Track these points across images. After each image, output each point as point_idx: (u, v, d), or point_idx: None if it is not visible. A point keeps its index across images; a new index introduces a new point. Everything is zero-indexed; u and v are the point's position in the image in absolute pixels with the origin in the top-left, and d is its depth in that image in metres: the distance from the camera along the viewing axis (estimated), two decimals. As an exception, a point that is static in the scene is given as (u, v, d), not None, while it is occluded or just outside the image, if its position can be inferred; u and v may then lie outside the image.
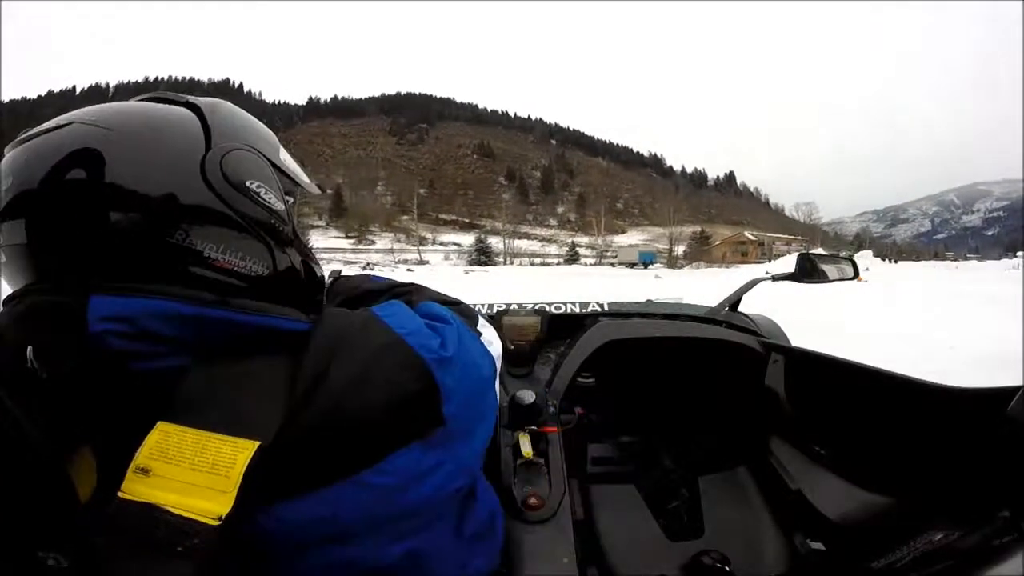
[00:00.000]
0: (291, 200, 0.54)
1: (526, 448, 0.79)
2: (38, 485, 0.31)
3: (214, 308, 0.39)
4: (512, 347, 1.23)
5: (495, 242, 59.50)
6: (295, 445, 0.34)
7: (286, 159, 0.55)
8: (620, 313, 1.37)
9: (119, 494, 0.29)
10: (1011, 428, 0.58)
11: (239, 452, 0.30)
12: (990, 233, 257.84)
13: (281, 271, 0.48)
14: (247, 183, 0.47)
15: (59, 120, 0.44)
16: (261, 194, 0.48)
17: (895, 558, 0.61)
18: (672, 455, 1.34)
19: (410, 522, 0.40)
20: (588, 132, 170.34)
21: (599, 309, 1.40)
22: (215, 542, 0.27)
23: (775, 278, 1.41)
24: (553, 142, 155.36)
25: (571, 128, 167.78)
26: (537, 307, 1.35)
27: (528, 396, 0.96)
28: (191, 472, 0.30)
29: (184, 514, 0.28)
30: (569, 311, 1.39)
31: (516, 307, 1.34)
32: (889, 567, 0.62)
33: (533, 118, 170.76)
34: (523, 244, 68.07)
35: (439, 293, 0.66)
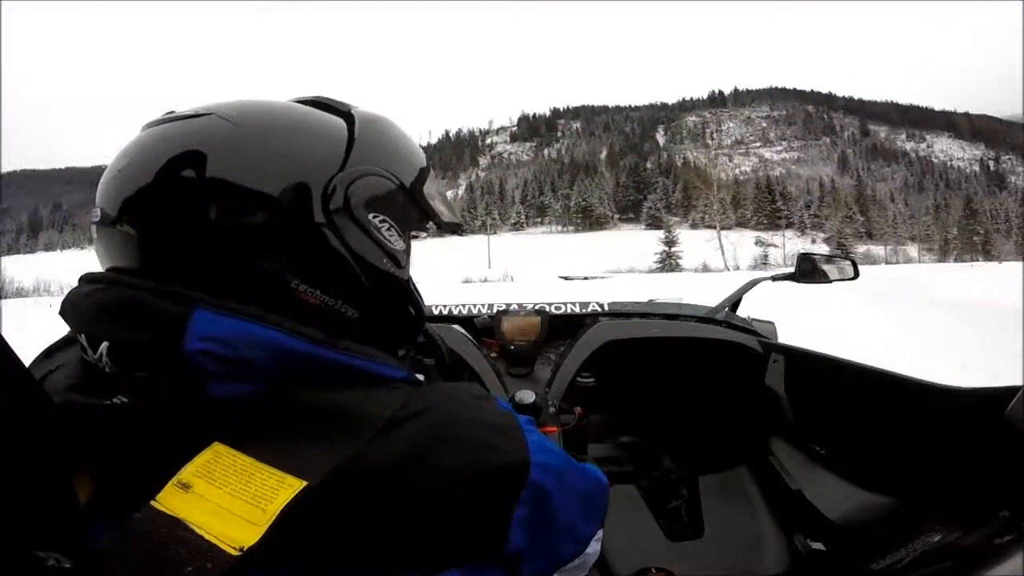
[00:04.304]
0: (423, 235, 0.49)
1: None
2: (39, 486, 0.30)
3: (323, 348, 0.36)
4: (512, 347, 1.24)
5: None
6: (348, 504, 0.31)
7: (429, 191, 0.49)
8: (620, 313, 1.37)
9: (152, 503, 0.29)
10: (1011, 428, 0.58)
11: (283, 488, 0.29)
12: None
13: (375, 316, 0.43)
14: (370, 216, 0.41)
15: (199, 108, 0.41)
16: (383, 231, 0.42)
17: (895, 558, 0.61)
18: (672, 455, 1.34)
19: None
20: None
21: (599, 309, 1.40)
22: (226, 573, 0.26)
23: (775, 278, 1.41)
24: None
25: None
26: (537, 307, 1.35)
27: (528, 396, 0.96)
28: (230, 497, 0.29)
29: (207, 536, 0.27)
30: (569, 311, 1.39)
31: (516, 307, 1.34)
32: (889, 567, 0.62)
33: None
34: None
35: None
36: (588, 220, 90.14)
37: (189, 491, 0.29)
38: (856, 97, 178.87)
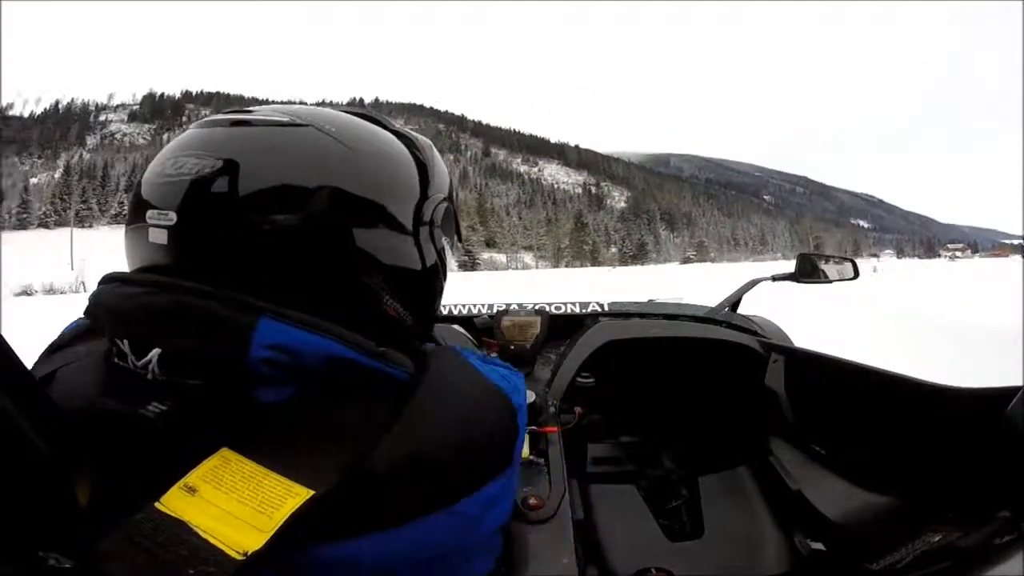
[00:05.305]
0: None
1: (525, 448, 0.79)
2: (39, 486, 0.30)
3: (376, 360, 0.37)
4: (512, 347, 1.24)
5: None
6: (384, 479, 0.32)
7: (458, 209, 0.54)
8: (620, 313, 1.37)
9: (156, 505, 0.28)
10: (1011, 428, 0.58)
11: (290, 497, 0.29)
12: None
13: (424, 323, 0.47)
14: (444, 239, 0.46)
15: (289, 116, 0.41)
16: (446, 250, 0.47)
17: (895, 558, 0.61)
18: (672, 455, 1.34)
19: (479, 549, 0.39)
20: None
21: (599, 309, 1.40)
22: None
23: (775, 278, 1.41)
24: None
25: None
26: (537, 307, 1.35)
27: (528, 396, 0.96)
28: (236, 503, 0.29)
29: (211, 540, 0.27)
30: (569, 311, 1.40)
31: (516, 307, 1.34)
32: (889, 567, 0.62)
33: None
34: None
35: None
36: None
37: (195, 495, 0.29)
38: (484, 122, 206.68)
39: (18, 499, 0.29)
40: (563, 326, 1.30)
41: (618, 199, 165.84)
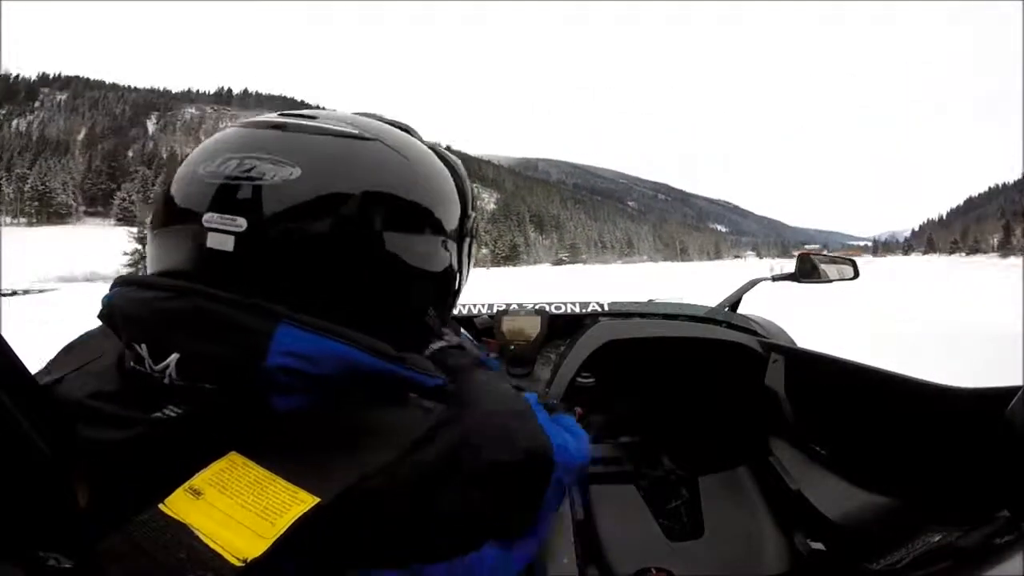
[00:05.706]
0: None
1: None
2: (39, 486, 0.30)
3: (395, 365, 0.36)
4: (512, 347, 1.24)
5: None
6: (361, 522, 0.30)
7: None
8: (620, 313, 1.37)
9: (160, 506, 0.28)
10: (1011, 428, 0.58)
11: (295, 503, 0.28)
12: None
13: (443, 327, 0.49)
14: (475, 251, 0.49)
15: (359, 129, 0.41)
16: (472, 263, 0.50)
17: (895, 558, 0.61)
18: (672, 455, 1.34)
19: None
20: None
21: (599, 309, 1.40)
22: None
23: (775, 278, 1.41)
24: None
25: None
26: (537, 307, 1.35)
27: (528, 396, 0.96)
28: (240, 508, 0.28)
29: (211, 545, 0.27)
30: (569, 311, 1.40)
31: (516, 307, 1.34)
32: (889, 567, 0.62)
33: None
34: None
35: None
36: (46, 211, 74.90)
37: (200, 498, 0.29)
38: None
39: (18, 499, 0.29)
40: (563, 326, 1.30)
41: (488, 201, 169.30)
